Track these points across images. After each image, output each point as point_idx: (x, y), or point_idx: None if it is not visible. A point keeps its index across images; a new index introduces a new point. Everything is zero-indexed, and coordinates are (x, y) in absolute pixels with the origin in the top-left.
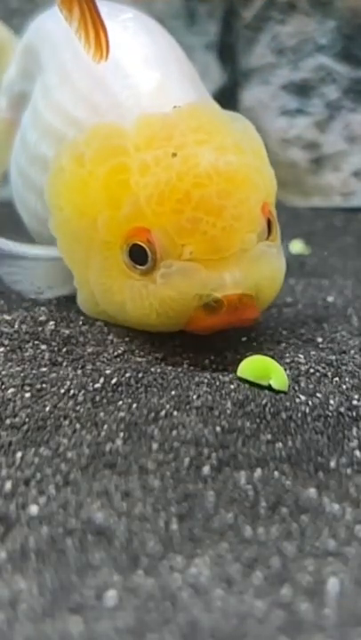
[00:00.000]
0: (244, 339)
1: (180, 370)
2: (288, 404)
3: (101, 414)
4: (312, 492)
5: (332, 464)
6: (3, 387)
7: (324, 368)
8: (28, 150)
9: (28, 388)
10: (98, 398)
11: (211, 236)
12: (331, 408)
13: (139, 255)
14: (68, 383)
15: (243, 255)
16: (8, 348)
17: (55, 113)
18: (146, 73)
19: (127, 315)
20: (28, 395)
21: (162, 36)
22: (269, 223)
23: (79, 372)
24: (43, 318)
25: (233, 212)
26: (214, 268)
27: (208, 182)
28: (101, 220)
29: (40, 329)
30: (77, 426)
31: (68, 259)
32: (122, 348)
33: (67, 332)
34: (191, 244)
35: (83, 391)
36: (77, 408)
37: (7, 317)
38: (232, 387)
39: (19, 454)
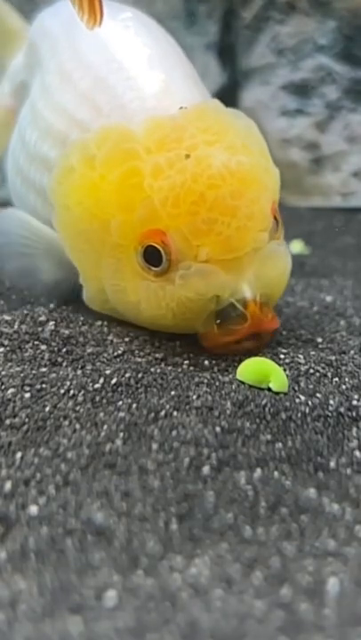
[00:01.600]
0: None
1: (179, 370)
2: (288, 404)
3: (101, 414)
4: (312, 492)
5: (332, 464)
6: (2, 387)
7: (323, 368)
8: (27, 149)
9: (27, 389)
10: (98, 398)
11: (226, 237)
12: (330, 408)
13: (153, 257)
14: (68, 383)
15: (255, 254)
16: (8, 348)
17: (56, 113)
18: (149, 74)
19: (141, 315)
20: (27, 395)
21: (162, 36)
22: (276, 220)
23: (79, 372)
24: (42, 318)
25: (246, 212)
26: (230, 268)
27: (222, 183)
28: (115, 224)
29: (40, 329)
30: (77, 426)
31: (74, 256)
32: (122, 349)
33: (66, 332)
34: (207, 245)
35: (82, 391)
36: (77, 408)
37: (7, 318)
38: (232, 387)
39: (18, 454)
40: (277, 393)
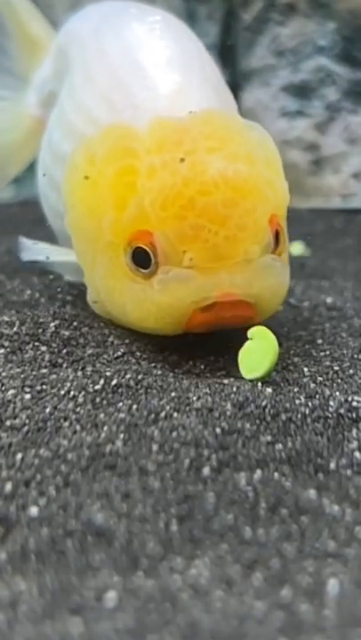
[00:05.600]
0: (244, 340)
1: (180, 371)
2: (288, 405)
3: (101, 416)
4: (312, 493)
5: (332, 465)
6: (3, 388)
7: (324, 369)
8: (52, 149)
9: (28, 390)
10: (98, 400)
11: (212, 244)
12: (331, 409)
13: (142, 258)
14: (69, 385)
15: (245, 266)
16: (8, 349)
17: (77, 112)
18: (166, 75)
19: (127, 316)
20: (28, 396)
21: (188, 40)
22: (278, 235)
23: (79, 373)
24: (43, 320)
25: (238, 222)
26: (213, 276)
27: (214, 190)
28: (107, 221)
29: (40, 330)
30: (77, 427)
31: (79, 256)
32: (122, 350)
33: (67, 333)
34: (192, 251)
35: (83, 393)
36: (77, 409)
37: (7, 319)
38: (232, 389)
39: (19, 456)
40: (277, 394)
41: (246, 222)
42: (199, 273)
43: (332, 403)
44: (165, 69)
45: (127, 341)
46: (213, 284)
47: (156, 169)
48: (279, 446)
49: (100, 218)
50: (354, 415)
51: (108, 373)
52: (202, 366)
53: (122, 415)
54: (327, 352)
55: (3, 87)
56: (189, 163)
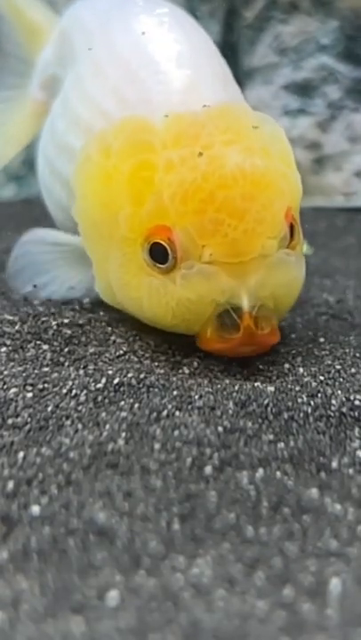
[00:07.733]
0: None
1: (182, 370)
2: (290, 404)
3: (103, 414)
4: (314, 492)
5: (334, 464)
6: (5, 387)
7: (326, 368)
8: (55, 139)
9: (30, 388)
10: (100, 398)
11: (232, 239)
12: (333, 408)
13: (159, 254)
14: (70, 383)
15: (262, 261)
16: (10, 347)
17: (85, 104)
18: (178, 69)
19: (143, 312)
20: (30, 395)
21: (196, 33)
22: (292, 228)
23: (81, 372)
24: (45, 318)
25: (256, 216)
26: (233, 273)
27: (233, 184)
28: (123, 216)
29: (42, 329)
30: (79, 426)
31: (88, 247)
32: (124, 349)
33: (69, 331)
34: (212, 246)
35: (85, 391)
36: (79, 408)
37: (9, 317)
38: (234, 387)
39: (21, 454)
40: (279, 392)
41: (264, 216)
42: (223, 271)
43: (334, 401)
44: (176, 63)
45: (129, 340)
46: (235, 286)
47: (175, 164)
48: (281, 445)
49: (115, 212)
50: (356, 414)
51: (110, 372)
52: (204, 365)
53: (124, 414)
54: (329, 351)
55: (9, 72)
56: (208, 157)
